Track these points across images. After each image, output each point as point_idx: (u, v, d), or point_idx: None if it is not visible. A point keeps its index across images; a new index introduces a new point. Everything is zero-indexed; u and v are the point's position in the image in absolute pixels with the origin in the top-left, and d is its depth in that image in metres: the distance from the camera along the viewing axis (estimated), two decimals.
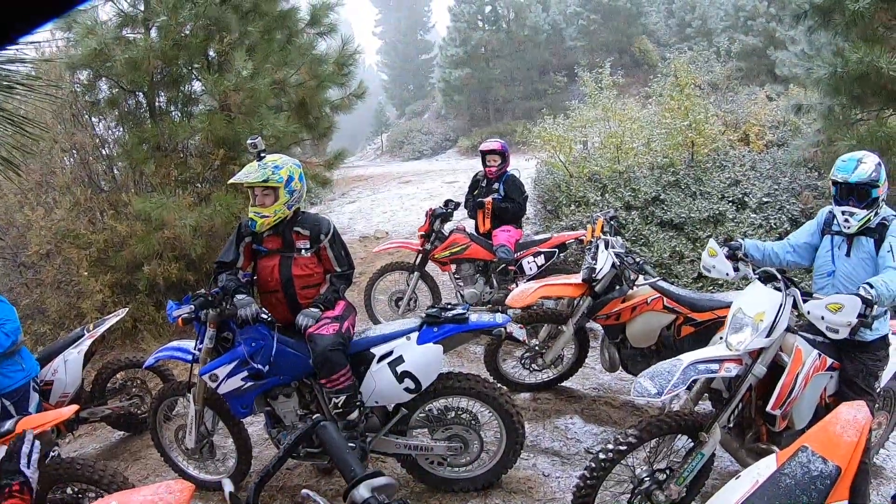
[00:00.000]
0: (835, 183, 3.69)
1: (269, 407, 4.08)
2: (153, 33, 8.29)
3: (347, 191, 17.13)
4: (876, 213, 3.63)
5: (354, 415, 3.81)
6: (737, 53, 25.98)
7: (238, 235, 4.12)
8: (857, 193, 3.60)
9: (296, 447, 1.83)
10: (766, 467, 2.00)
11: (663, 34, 34.22)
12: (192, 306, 3.83)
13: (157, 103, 8.88)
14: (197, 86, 8.96)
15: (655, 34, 34.31)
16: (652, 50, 31.83)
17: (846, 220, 3.64)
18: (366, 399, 3.88)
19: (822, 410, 3.53)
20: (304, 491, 1.73)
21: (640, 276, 4.93)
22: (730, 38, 26.91)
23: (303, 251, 4.04)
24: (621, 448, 3.31)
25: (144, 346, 7.52)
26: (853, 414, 2.12)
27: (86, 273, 7.70)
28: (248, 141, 4.03)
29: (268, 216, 3.94)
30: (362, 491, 1.53)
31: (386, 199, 15.33)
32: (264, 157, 3.97)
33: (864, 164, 3.57)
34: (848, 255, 3.71)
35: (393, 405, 4.03)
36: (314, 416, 1.72)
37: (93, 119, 9.02)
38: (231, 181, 4.12)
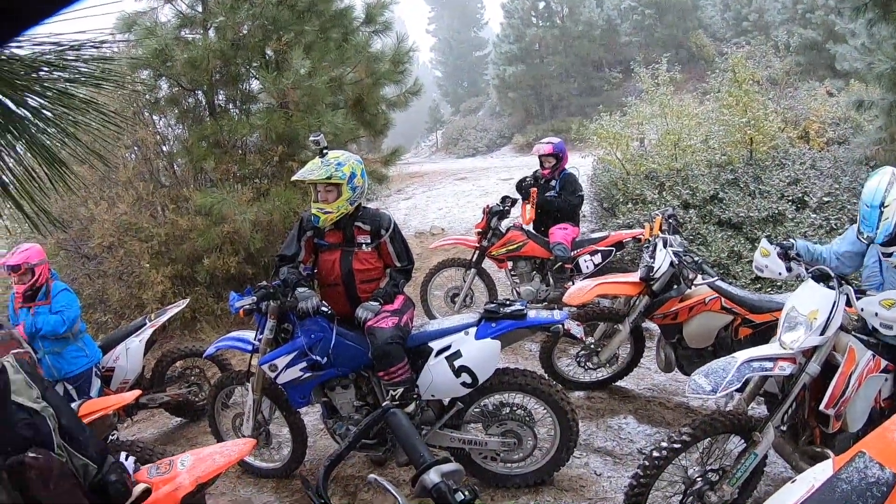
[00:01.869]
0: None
1: (326, 398, 4.16)
2: (211, 34, 8.50)
3: (403, 187, 17.24)
4: None
5: (411, 408, 3.84)
6: (795, 47, 25.21)
7: (300, 229, 4.18)
8: None
9: (366, 433, 1.87)
10: (822, 472, 1.97)
11: (719, 28, 33.52)
12: (255, 298, 3.92)
13: (216, 101, 9.10)
14: (255, 84, 9.15)
15: (711, 28, 33.64)
16: (708, 45, 31.20)
17: (888, 258, 3.46)
18: (422, 392, 3.92)
19: (876, 414, 3.42)
20: (371, 476, 1.76)
21: (699, 276, 4.86)
22: (788, 32, 26.11)
23: (363, 246, 4.08)
24: (675, 446, 3.28)
25: (203, 336, 7.73)
26: None
27: (147, 265, 7.94)
28: (311, 138, 4.09)
29: (331, 212, 3.98)
30: (433, 476, 1.56)
31: (441, 195, 15.39)
32: (327, 153, 4.01)
33: (888, 210, 3.29)
34: None
35: (449, 399, 4.05)
36: (384, 404, 1.77)
37: (154, 117, 9.28)
38: (294, 178, 4.17)
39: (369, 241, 4.09)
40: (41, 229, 1.96)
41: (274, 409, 4.53)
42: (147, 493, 2.42)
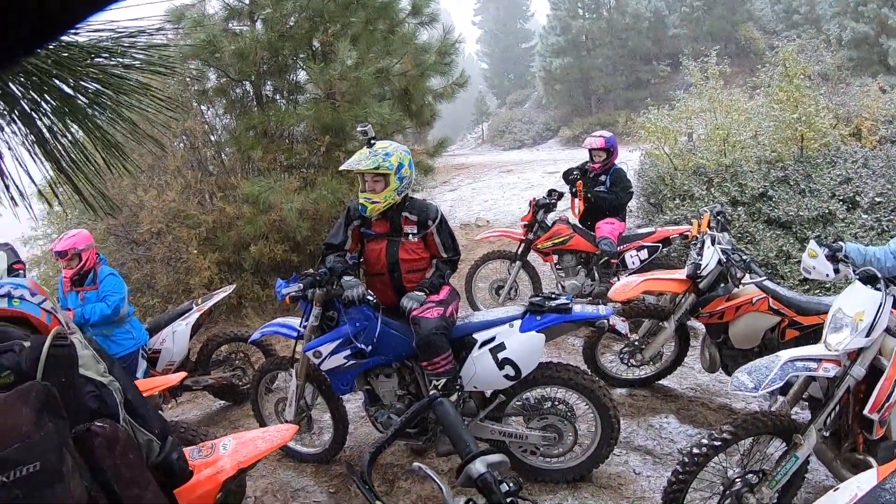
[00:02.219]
0: None
1: (369, 386, 4.18)
2: (259, 25, 8.60)
3: (448, 179, 17.25)
4: None
5: (453, 398, 3.85)
6: (847, 42, 24.57)
7: (347, 218, 4.20)
8: None
9: (412, 422, 1.88)
10: (866, 481, 1.93)
11: (769, 21, 32.87)
12: (301, 285, 3.96)
13: (263, 92, 9.20)
14: (302, 75, 9.22)
15: (761, 21, 32.99)
16: (758, 38, 30.59)
17: None
18: (465, 384, 3.91)
19: None
20: (415, 464, 1.77)
21: (746, 275, 4.75)
22: (840, 25, 25.46)
23: (410, 236, 4.09)
24: (715, 444, 3.23)
25: (248, 322, 7.85)
26: None
27: (195, 251, 8.08)
28: (359, 128, 4.11)
29: (378, 202, 3.99)
30: (478, 466, 1.56)
31: (487, 187, 15.38)
32: (374, 144, 4.03)
33: None
34: None
35: (491, 391, 4.05)
36: (430, 393, 1.75)
37: (202, 107, 9.43)
38: (342, 167, 4.19)
39: (416, 231, 4.10)
40: (98, 212, 2.00)
41: (316, 395, 4.58)
42: (189, 475, 2.44)
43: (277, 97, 9.36)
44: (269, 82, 9.25)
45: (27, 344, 1.88)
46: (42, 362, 1.82)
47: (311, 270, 4.08)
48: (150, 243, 8.75)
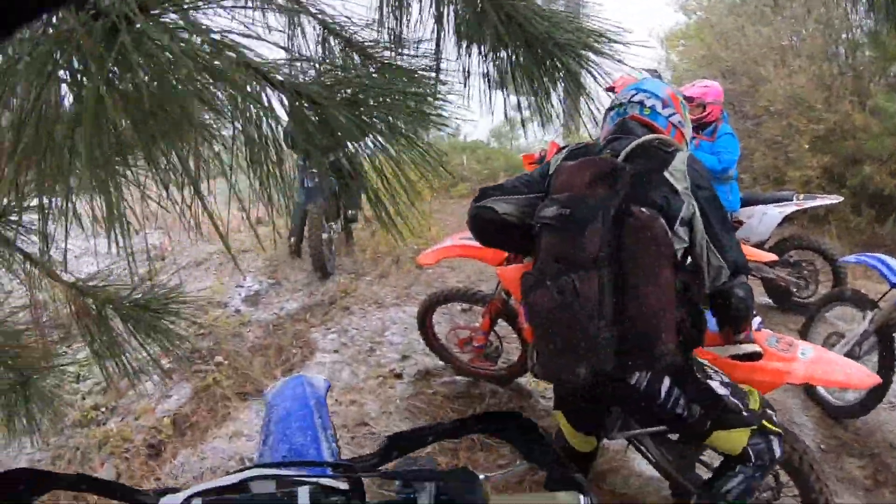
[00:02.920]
0: None
1: None
2: None
3: None
4: None
5: None
6: None
7: None
8: None
9: None
10: None
11: None
12: None
13: None
14: None
15: None
16: None
17: None
18: None
19: None
20: None
21: None
22: None
23: None
24: None
25: (826, 240, 7.39)
26: None
27: (806, 146, 7.79)
28: None
29: None
30: None
31: None
32: None
33: None
34: None
35: None
36: None
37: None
38: None
39: None
40: None
41: (872, 350, 4.16)
42: (757, 356, 2.47)
43: None
44: None
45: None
46: (627, 150, 2.25)
47: None
48: (761, 120, 8.68)
